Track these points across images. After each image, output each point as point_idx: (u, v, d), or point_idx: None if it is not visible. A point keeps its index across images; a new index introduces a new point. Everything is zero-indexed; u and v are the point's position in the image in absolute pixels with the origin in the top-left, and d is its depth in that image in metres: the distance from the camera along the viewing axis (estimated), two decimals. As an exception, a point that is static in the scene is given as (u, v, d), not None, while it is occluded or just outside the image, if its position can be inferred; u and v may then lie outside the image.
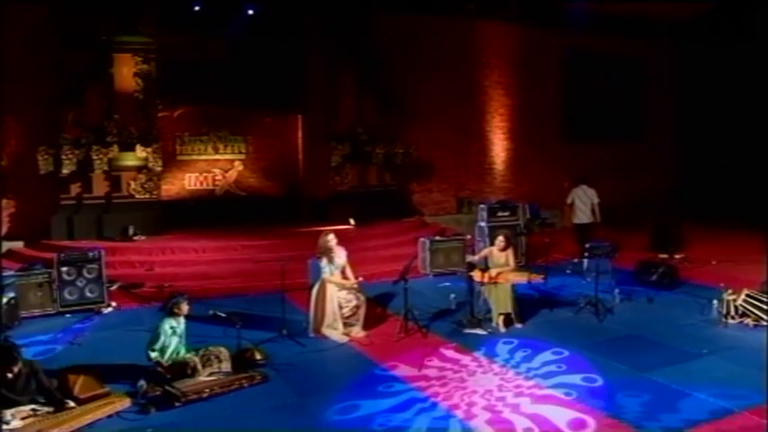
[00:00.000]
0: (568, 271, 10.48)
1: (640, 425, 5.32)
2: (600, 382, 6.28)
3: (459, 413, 5.67)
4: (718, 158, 17.73)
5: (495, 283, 8.24)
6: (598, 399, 5.87)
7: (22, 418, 5.30)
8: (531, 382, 6.32)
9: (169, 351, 6.46)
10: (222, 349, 6.60)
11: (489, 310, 8.31)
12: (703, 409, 5.59)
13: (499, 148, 17.14)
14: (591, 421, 5.39)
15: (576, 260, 9.95)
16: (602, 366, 6.66)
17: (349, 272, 8.36)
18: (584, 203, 12.55)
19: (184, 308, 6.66)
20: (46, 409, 5.45)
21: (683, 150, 19.13)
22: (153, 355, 6.37)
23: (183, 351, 6.55)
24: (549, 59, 17.48)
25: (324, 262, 8.08)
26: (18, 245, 11.99)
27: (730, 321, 7.88)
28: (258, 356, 6.93)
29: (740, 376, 6.29)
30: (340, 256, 8.24)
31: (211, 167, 15.34)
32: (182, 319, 6.65)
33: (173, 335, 6.51)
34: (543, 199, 16.20)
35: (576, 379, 6.36)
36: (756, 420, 5.35)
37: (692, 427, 5.25)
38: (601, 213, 12.35)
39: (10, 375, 5.45)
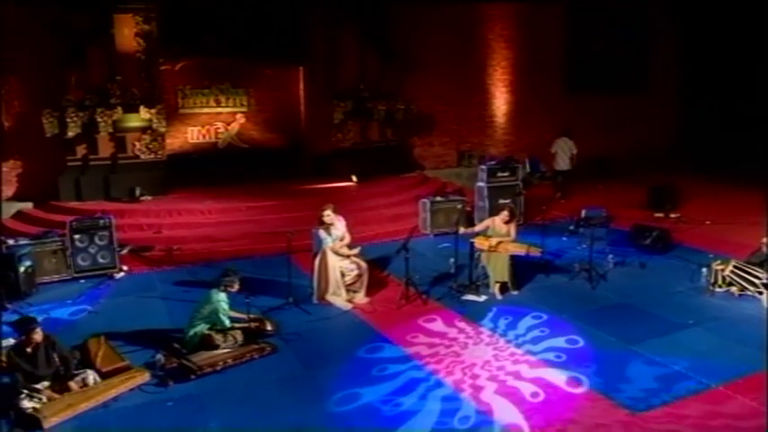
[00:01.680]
0: (564, 238, 10.72)
1: (624, 400, 5.70)
2: (587, 353, 6.66)
3: (467, 390, 6.00)
4: (721, 112, 17.72)
5: (495, 251, 8.54)
6: (586, 374, 6.23)
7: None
8: (524, 355, 6.69)
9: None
10: (239, 334, 6.93)
11: (487, 276, 8.65)
12: (683, 383, 5.98)
13: (500, 101, 17.15)
14: (579, 395, 5.79)
15: (571, 227, 10.22)
16: (591, 337, 7.04)
17: (347, 240, 8.64)
18: (564, 153, 14.50)
19: (236, 286, 7.05)
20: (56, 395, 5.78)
21: (686, 103, 19.07)
22: (228, 323, 6.85)
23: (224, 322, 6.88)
24: (552, 11, 17.24)
25: (323, 233, 8.38)
26: (27, 206, 12.27)
27: (717, 290, 8.21)
28: (269, 327, 7.31)
29: (719, 350, 6.66)
30: (338, 227, 8.53)
31: (214, 120, 15.47)
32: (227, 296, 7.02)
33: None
34: (544, 152, 16.38)
35: (566, 354, 6.71)
36: (730, 395, 5.74)
37: (669, 403, 5.63)
38: (577, 162, 14.45)
39: (29, 350, 5.81)
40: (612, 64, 18.08)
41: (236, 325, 6.99)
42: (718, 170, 16.39)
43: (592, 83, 17.73)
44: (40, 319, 7.29)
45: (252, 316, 7.21)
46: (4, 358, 6.24)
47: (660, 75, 19.05)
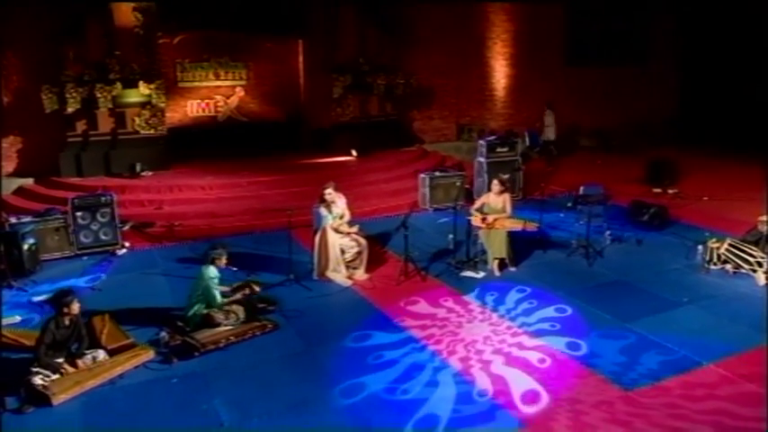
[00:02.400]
0: (562, 214, 10.76)
1: (615, 377, 5.83)
2: (583, 330, 6.78)
3: (470, 370, 6.10)
4: (721, 85, 17.62)
5: (492, 227, 8.62)
6: (580, 350, 6.38)
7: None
8: (516, 338, 6.74)
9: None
10: (240, 308, 7.05)
11: (485, 252, 8.75)
12: (674, 361, 6.10)
13: (500, 75, 17.09)
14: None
15: (569, 204, 10.28)
16: (587, 315, 7.16)
17: (347, 218, 8.74)
18: (550, 124, 15.70)
19: (223, 261, 7.07)
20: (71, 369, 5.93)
21: (686, 76, 18.94)
22: (219, 298, 6.89)
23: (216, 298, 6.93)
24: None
25: (324, 211, 8.46)
26: (28, 182, 12.31)
27: (712, 267, 8.31)
28: (256, 288, 7.39)
29: (712, 328, 6.79)
30: (339, 205, 8.62)
31: (213, 94, 15.47)
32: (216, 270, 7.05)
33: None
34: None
35: (561, 331, 6.83)
36: (720, 373, 5.88)
37: (662, 381, 5.76)
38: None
39: (67, 322, 5.94)
40: (612, 36, 17.94)
41: (231, 298, 7.05)
42: (718, 144, 16.38)
43: (592, 56, 17.64)
44: (44, 296, 7.49)
45: (237, 284, 7.27)
46: (4, 334, 6.42)
47: (660, 47, 18.86)
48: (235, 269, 7.41)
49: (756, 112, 15.78)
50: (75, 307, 5.97)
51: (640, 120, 17.78)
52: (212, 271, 6.97)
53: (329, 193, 8.49)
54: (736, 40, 17.06)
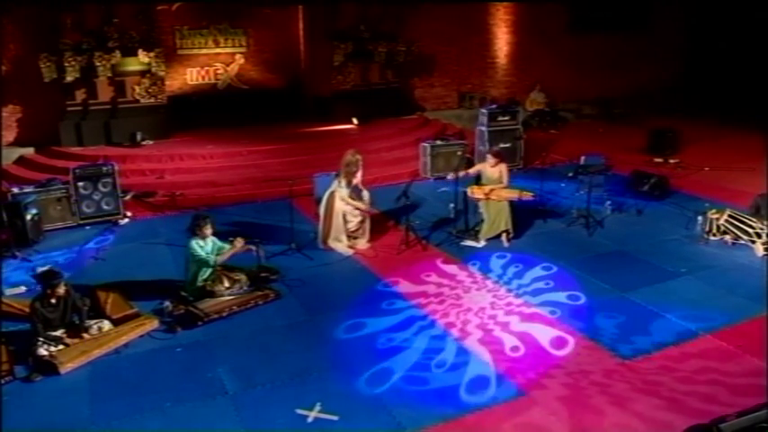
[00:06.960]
0: (563, 184, 10.76)
1: (613, 347, 5.93)
2: (583, 301, 6.86)
3: (455, 332, 6.29)
4: (726, 51, 17.40)
5: (489, 199, 8.61)
6: (579, 321, 6.46)
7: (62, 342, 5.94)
8: (521, 300, 6.91)
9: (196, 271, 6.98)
10: (242, 275, 7.14)
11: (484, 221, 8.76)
12: (671, 331, 6.19)
13: (502, 42, 16.86)
14: (571, 341, 5.98)
15: (570, 173, 10.27)
16: (586, 286, 7.23)
17: (364, 192, 8.74)
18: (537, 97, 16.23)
19: (207, 231, 7.03)
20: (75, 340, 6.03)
21: (691, 42, 18.67)
22: (211, 261, 6.91)
23: (208, 272, 6.99)
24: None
25: (343, 183, 8.44)
26: (29, 151, 12.25)
27: (711, 238, 8.34)
28: (270, 272, 7.50)
29: (710, 298, 6.85)
30: (357, 176, 8.60)
31: (213, 61, 15.27)
32: (208, 239, 7.04)
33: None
34: (546, 93, 16.33)
35: (560, 301, 6.93)
36: (716, 343, 5.96)
37: (658, 351, 5.85)
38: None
39: (53, 301, 6.01)
40: (616, 1, 17.55)
41: (223, 256, 7.05)
42: (722, 112, 16.24)
43: (596, 20, 17.28)
44: (46, 267, 7.54)
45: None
46: (11, 304, 6.52)
47: (665, 13, 18.52)
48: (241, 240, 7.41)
49: (761, 81, 15.61)
50: (61, 290, 5.99)
51: (644, 87, 17.61)
52: (194, 243, 6.92)
53: (360, 158, 8.58)
54: (742, 6, 16.76)
